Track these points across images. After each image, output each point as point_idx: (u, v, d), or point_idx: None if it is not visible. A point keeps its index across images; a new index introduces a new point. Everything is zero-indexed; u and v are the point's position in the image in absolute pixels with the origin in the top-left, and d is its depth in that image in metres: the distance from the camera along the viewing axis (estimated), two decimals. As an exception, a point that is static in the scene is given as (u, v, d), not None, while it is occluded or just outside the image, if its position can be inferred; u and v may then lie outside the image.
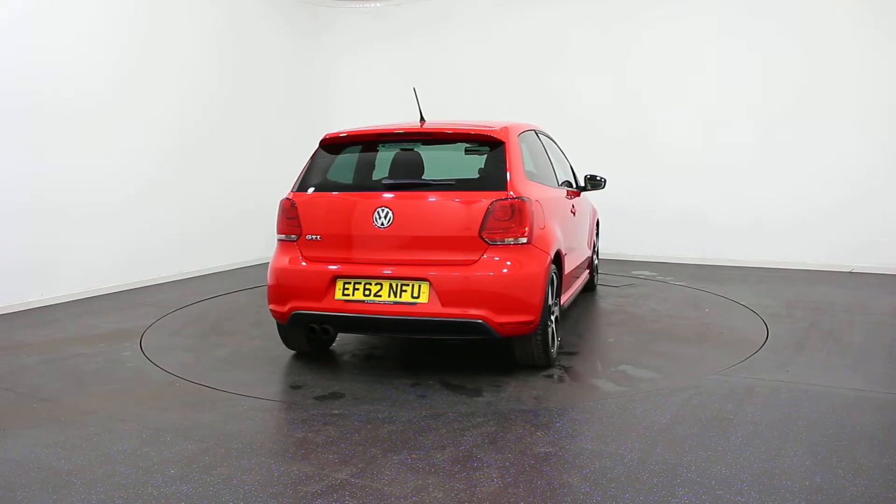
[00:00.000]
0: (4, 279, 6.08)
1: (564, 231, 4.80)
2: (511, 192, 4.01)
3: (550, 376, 4.18)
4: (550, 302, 4.26)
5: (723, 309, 5.87)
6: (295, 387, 4.15)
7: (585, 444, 3.19)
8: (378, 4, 9.94)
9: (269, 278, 4.36)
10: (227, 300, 6.56)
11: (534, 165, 4.86)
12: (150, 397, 3.93)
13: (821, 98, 7.71)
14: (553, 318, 4.39)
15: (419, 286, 3.96)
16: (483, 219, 3.94)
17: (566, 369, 4.32)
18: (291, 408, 3.71)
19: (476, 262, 3.94)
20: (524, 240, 3.99)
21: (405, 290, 3.98)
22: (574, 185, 5.95)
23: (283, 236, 4.35)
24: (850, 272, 7.53)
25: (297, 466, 2.99)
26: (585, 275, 6.16)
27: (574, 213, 5.37)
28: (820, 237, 7.81)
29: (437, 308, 3.92)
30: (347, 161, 4.49)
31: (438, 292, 3.91)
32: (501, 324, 3.91)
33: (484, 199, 3.98)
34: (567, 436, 3.29)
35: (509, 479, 2.84)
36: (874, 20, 7.43)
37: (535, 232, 4.09)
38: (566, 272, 4.76)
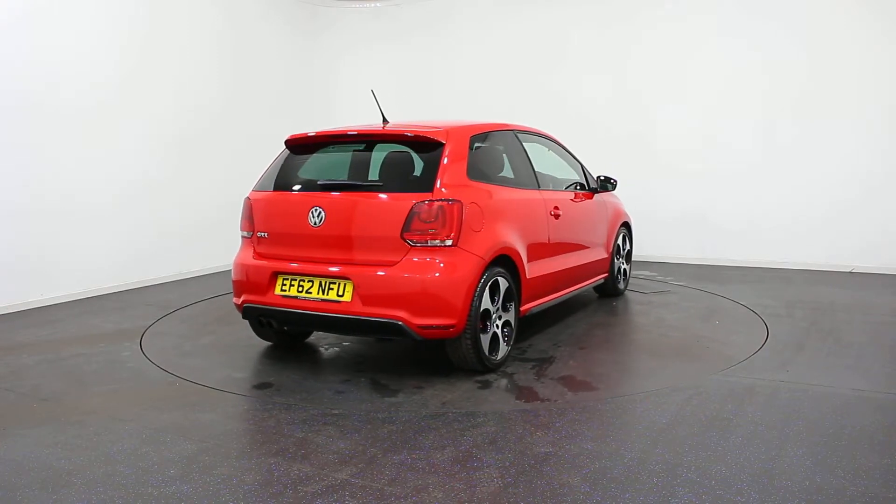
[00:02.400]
0: (4, 279, 6.08)
1: (529, 234, 4.67)
2: (436, 194, 3.99)
3: (482, 382, 4.11)
4: (489, 308, 4.17)
5: (732, 321, 5.50)
6: (236, 376, 4.35)
7: (585, 444, 3.19)
8: (378, 4, 9.95)
9: (231, 273, 4.64)
10: (227, 299, 6.56)
11: (498, 167, 4.85)
12: (150, 397, 3.93)
13: (821, 98, 7.70)
14: (499, 323, 4.31)
15: (344, 285, 4.06)
16: (405, 220, 3.96)
17: (508, 376, 4.23)
18: (291, 408, 3.72)
19: (397, 263, 3.97)
20: (449, 242, 3.96)
21: (332, 289, 4.10)
22: (587, 187, 5.84)
23: (243, 233, 4.60)
24: (850, 272, 7.54)
25: (297, 466, 2.99)
26: (595, 280, 5.97)
27: (557, 216, 5.09)
28: (820, 237, 7.80)
29: (359, 307, 3.99)
30: (302, 162, 4.63)
31: (359, 292, 4.00)
32: (420, 326, 3.91)
33: (407, 201, 3.99)
34: (567, 436, 3.29)
35: (509, 479, 2.85)
36: (875, 20, 7.42)
37: (465, 235, 4.03)
38: (529, 277, 4.60)
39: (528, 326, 5.35)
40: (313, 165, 4.59)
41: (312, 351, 4.92)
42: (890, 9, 7.35)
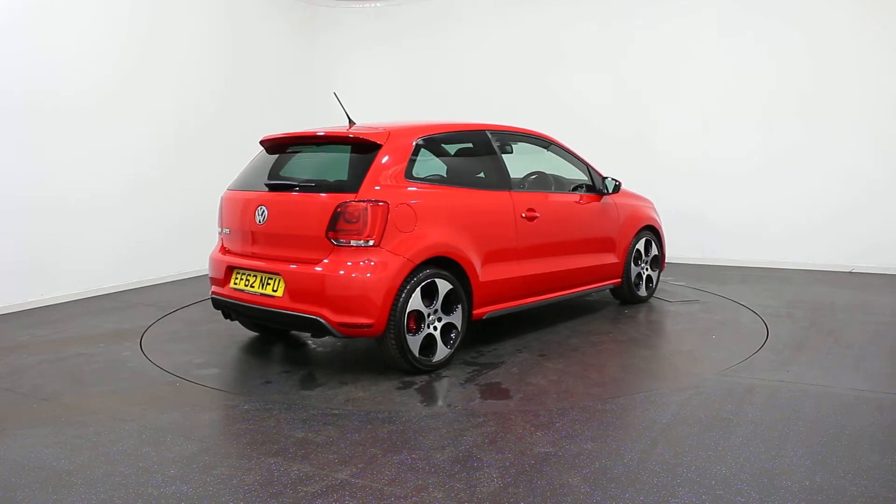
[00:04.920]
0: (4, 279, 6.08)
1: (486, 236, 4.59)
2: (361, 195, 4.07)
3: (406, 382, 4.12)
4: (422, 309, 4.18)
5: (733, 335, 5.06)
6: (191, 362, 4.61)
7: (585, 444, 3.19)
8: (378, 4, 9.95)
9: None
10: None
11: (454, 168, 4.85)
12: (150, 397, 3.93)
13: (822, 98, 7.69)
14: (437, 325, 4.30)
15: (278, 281, 4.25)
16: (330, 220, 4.08)
17: (437, 378, 4.19)
18: (291, 408, 3.72)
19: (321, 261, 4.10)
20: (371, 242, 4.04)
21: (269, 284, 4.31)
22: (594, 189, 5.67)
23: (217, 229, 4.92)
24: (850, 272, 7.53)
25: (297, 466, 2.99)
26: (599, 285, 5.72)
27: (532, 219, 4.93)
28: (821, 238, 7.79)
29: (288, 303, 4.17)
30: (266, 162, 4.80)
31: (289, 288, 4.17)
32: (340, 324, 4.03)
33: (333, 202, 4.11)
34: (567, 436, 3.29)
35: (509, 479, 2.85)
36: (876, 20, 7.42)
37: (391, 236, 4.08)
38: (485, 280, 4.56)
39: (508, 328, 5.34)
40: (272, 166, 4.75)
41: (293, 343, 5.10)
42: (893, 9, 7.34)
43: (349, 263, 4.03)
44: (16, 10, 6.11)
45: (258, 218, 4.39)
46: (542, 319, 5.66)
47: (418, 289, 4.16)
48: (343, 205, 4.06)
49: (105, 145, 6.92)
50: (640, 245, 6.14)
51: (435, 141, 4.71)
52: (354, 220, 4.03)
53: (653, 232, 6.34)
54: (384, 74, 9.97)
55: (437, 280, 4.26)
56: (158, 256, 7.48)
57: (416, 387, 4.05)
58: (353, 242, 4.04)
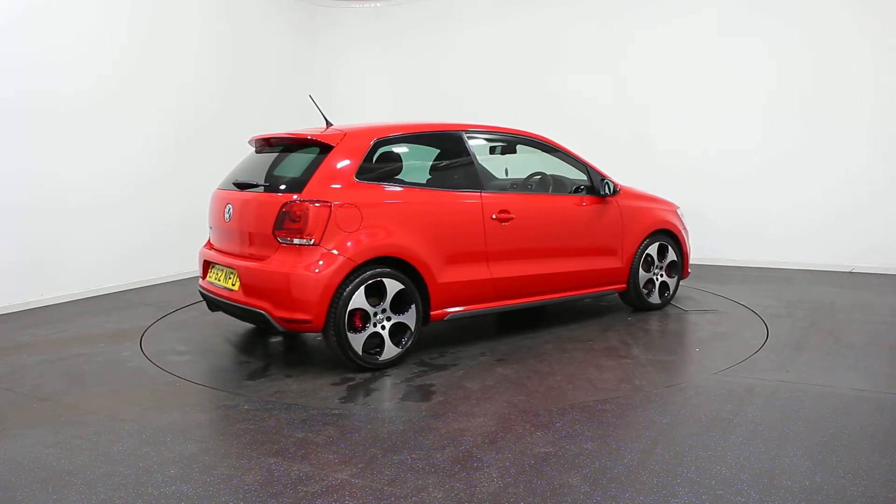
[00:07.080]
0: (4, 279, 6.09)
1: (448, 238, 4.57)
2: (304, 195, 4.20)
3: (344, 379, 4.17)
4: (366, 308, 4.22)
5: (728, 339, 4.89)
6: (169, 350, 4.88)
7: (585, 444, 3.19)
8: (378, 4, 9.95)
9: None
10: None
11: (415, 169, 4.89)
12: (150, 397, 3.94)
13: (823, 99, 7.69)
14: (386, 324, 4.31)
15: (235, 276, 4.47)
16: (276, 219, 4.24)
17: (377, 378, 4.20)
18: (291, 408, 3.72)
19: (267, 258, 4.29)
20: (312, 241, 4.16)
21: (230, 278, 4.54)
22: (595, 191, 5.47)
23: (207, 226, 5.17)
24: (850, 272, 7.53)
25: (297, 466, 3.00)
26: (597, 290, 5.51)
27: (506, 220, 4.82)
28: (821, 238, 7.79)
29: (242, 297, 4.38)
30: (246, 161, 5.02)
31: (242, 283, 4.39)
32: (281, 318, 4.18)
33: (280, 201, 4.26)
34: (567, 436, 3.29)
35: (509, 479, 2.85)
36: (878, 21, 7.41)
37: (332, 235, 4.17)
38: (444, 281, 4.52)
39: (492, 329, 5.33)
40: (246, 166, 4.94)
41: (284, 337, 5.23)
42: (893, 9, 7.34)
43: (290, 261, 4.17)
44: (16, 10, 6.11)
45: (227, 216, 4.63)
46: (533, 322, 5.61)
47: (362, 288, 4.21)
48: (287, 204, 4.21)
49: (105, 145, 6.92)
50: (653, 249, 5.81)
51: (396, 142, 4.73)
52: (297, 220, 4.17)
53: (670, 236, 5.98)
54: (384, 74, 9.97)
55: (384, 280, 4.29)
56: (158, 256, 7.48)
57: (350, 384, 4.09)
58: (296, 241, 4.18)
